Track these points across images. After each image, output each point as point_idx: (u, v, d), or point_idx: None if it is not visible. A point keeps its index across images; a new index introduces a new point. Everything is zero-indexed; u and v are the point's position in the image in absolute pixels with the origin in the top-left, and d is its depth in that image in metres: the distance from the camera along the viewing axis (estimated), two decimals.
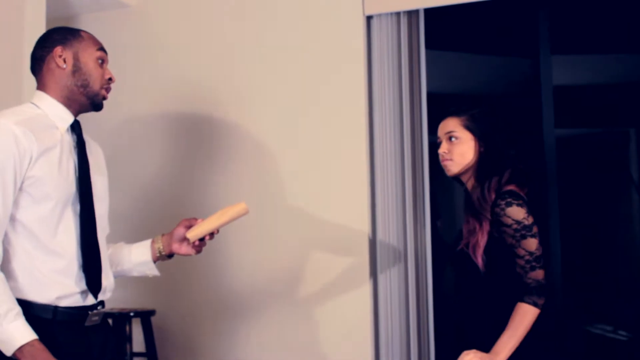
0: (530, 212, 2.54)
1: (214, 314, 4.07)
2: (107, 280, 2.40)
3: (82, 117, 2.47)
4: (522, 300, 2.47)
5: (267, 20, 4.12)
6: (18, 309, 2.11)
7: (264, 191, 4.03)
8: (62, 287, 2.22)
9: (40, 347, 2.09)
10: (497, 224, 2.54)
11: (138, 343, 4.02)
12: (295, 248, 3.94)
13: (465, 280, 2.70)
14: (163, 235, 2.62)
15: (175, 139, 4.31)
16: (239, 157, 4.10)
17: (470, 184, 2.72)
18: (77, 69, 2.35)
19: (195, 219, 2.57)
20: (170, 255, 2.62)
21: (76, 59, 2.35)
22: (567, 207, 5.14)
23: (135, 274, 2.64)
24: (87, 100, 2.38)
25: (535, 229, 2.52)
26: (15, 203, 2.18)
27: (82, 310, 2.28)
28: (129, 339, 3.94)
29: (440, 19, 4.06)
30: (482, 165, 2.65)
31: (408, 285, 3.70)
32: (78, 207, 2.30)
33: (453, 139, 2.70)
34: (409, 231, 3.70)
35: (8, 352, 2.07)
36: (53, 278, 2.21)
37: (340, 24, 3.96)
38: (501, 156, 2.66)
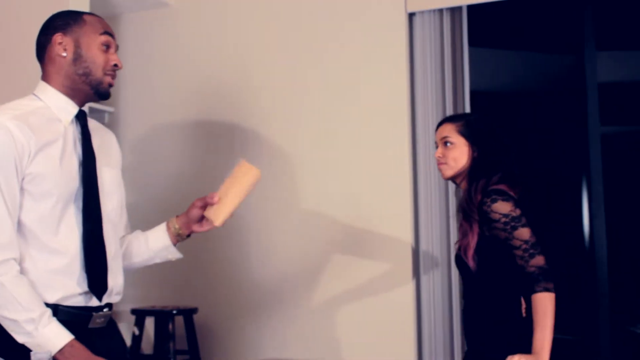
0: (518, 207, 2.58)
1: (256, 311, 4.07)
2: (114, 280, 2.27)
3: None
4: (534, 292, 2.49)
5: (308, 19, 4.10)
6: (49, 311, 2.06)
7: (306, 192, 4.02)
8: (64, 288, 2.13)
9: (80, 346, 2.05)
10: (487, 222, 2.59)
11: (181, 340, 4.03)
12: (337, 248, 3.93)
13: (464, 281, 2.77)
14: (177, 217, 2.46)
15: (209, 138, 4.31)
16: (278, 157, 4.09)
17: (462, 186, 2.78)
18: (78, 57, 2.19)
19: (210, 197, 2.36)
20: (189, 235, 2.48)
21: (77, 46, 2.19)
22: (613, 205, 5.07)
23: (158, 260, 2.50)
24: (90, 89, 2.22)
25: (524, 220, 2.57)
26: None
27: (85, 311, 2.18)
28: (171, 336, 3.94)
29: (483, 16, 4.02)
30: (475, 170, 2.72)
31: (451, 286, 3.67)
32: (82, 203, 2.18)
33: (448, 144, 2.77)
34: (452, 232, 3.67)
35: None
36: (55, 278, 2.12)
37: (382, 22, 3.93)
38: (493, 161, 2.72)
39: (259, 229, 4.09)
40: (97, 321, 2.22)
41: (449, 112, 3.74)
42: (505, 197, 2.60)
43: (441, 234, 3.72)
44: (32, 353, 1.75)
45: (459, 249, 2.70)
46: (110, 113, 4.32)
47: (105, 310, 2.24)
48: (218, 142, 4.28)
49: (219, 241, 4.21)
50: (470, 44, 3.82)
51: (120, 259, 2.35)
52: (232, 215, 2.38)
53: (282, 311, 4.02)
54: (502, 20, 4.74)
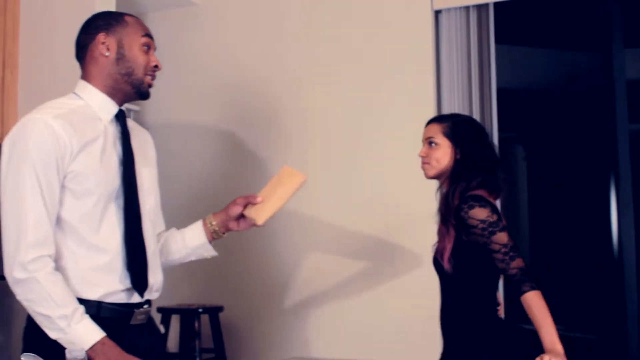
0: (495, 212, 2.59)
1: (281, 310, 4.08)
2: (154, 277, 2.29)
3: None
4: (523, 292, 2.48)
5: (334, 18, 4.10)
6: (82, 308, 2.06)
7: (330, 188, 4.02)
8: (107, 285, 2.14)
9: (111, 344, 2.05)
10: (465, 228, 2.60)
11: (206, 339, 4.04)
12: (362, 249, 3.92)
13: (440, 283, 2.78)
14: (215, 214, 2.48)
15: (234, 137, 4.32)
16: (304, 158, 4.10)
17: (444, 187, 2.80)
18: (121, 57, 2.20)
19: (253, 196, 2.40)
20: (225, 233, 2.49)
21: (120, 46, 2.21)
22: None
23: (193, 257, 2.52)
24: (132, 88, 2.23)
25: (501, 224, 2.57)
26: (59, 200, 2.09)
27: (127, 308, 2.19)
28: (197, 334, 3.95)
29: (510, 13, 3.98)
30: (456, 172, 2.74)
31: None
32: (122, 202, 2.19)
33: (432, 144, 2.78)
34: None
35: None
36: (97, 275, 2.13)
37: (408, 19, 3.91)
38: (474, 165, 2.72)
39: (285, 229, 4.09)
40: (139, 318, 2.23)
41: (476, 109, 3.72)
42: (482, 202, 2.60)
43: None
44: (66, 351, 1.75)
45: (436, 251, 2.74)
46: (135, 112, 4.34)
47: (145, 306, 2.26)
48: (243, 141, 4.29)
49: (245, 240, 4.21)
50: (497, 41, 3.79)
51: (158, 256, 2.37)
52: (273, 217, 2.40)
53: (308, 310, 4.02)
54: (528, 17, 4.70)
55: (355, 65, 4.02)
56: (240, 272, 4.19)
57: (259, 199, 2.39)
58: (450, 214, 2.64)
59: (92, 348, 2.02)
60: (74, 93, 2.25)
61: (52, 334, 2.04)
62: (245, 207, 2.42)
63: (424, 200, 3.79)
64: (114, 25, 2.23)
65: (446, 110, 3.79)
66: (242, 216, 2.43)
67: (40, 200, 2.04)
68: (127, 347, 2.12)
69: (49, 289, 2.02)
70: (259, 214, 2.37)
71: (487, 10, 3.78)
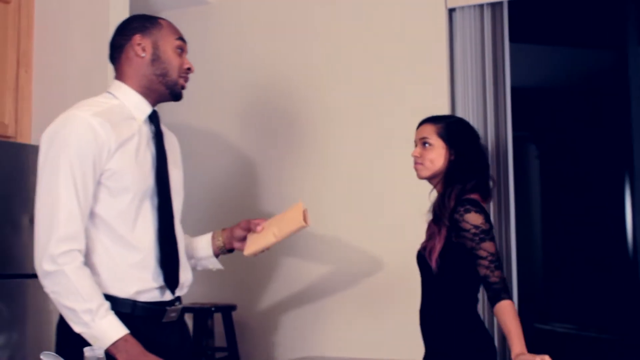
0: (488, 221, 2.63)
1: (294, 309, 4.07)
2: (185, 275, 2.33)
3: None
4: (500, 299, 2.53)
5: (347, 17, 4.09)
6: (108, 304, 2.09)
7: (345, 189, 4.01)
8: (140, 282, 2.18)
9: (133, 341, 2.07)
10: (457, 230, 2.62)
11: (219, 337, 4.04)
12: (376, 250, 3.91)
13: (423, 281, 2.81)
14: (223, 230, 2.54)
15: (249, 134, 4.32)
16: (317, 154, 4.09)
17: (437, 189, 2.81)
18: (156, 58, 2.26)
19: (255, 223, 2.46)
20: (231, 250, 2.56)
21: (155, 48, 2.27)
22: None
23: (199, 268, 2.58)
24: (166, 89, 2.29)
25: (492, 234, 2.62)
26: (94, 197, 2.14)
27: (160, 306, 2.23)
28: (210, 333, 3.96)
29: (524, 11, 3.97)
30: (451, 173, 2.75)
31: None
32: (156, 201, 2.24)
33: (426, 145, 2.78)
34: (494, 231, 3.62)
35: (101, 348, 2.00)
36: (131, 272, 2.17)
37: (422, 17, 3.90)
38: (469, 167, 2.74)
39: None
40: (171, 315, 2.27)
41: (490, 108, 3.70)
42: (478, 208, 2.63)
43: None
44: (85, 349, 1.76)
45: (423, 249, 2.75)
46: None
47: (176, 304, 2.30)
48: (258, 142, 4.28)
49: None
50: (511, 39, 3.77)
51: (185, 254, 2.40)
52: (264, 251, 2.47)
53: (321, 309, 4.01)
54: (543, 16, 4.68)
55: (369, 64, 4.01)
56: (253, 271, 4.19)
57: (258, 228, 2.45)
58: (445, 214, 2.66)
59: (114, 344, 2.05)
60: (109, 92, 2.29)
61: (77, 328, 2.07)
62: (248, 230, 2.47)
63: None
64: (149, 28, 2.29)
65: (460, 109, 3.78)
66: (245, 238, 2.49)
67: (74, 195, 2.08)
68: (160, 345, 2.18)
69: (76, 283, 2.05)
70: (249, 245, 2.44)
71: (502, 8, 3.76)
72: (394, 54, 3.95)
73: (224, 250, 2.54)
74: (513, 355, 2.42)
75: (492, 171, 3.68)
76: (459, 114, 3.77)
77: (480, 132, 3.71)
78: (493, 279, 2.55)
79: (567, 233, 6.93)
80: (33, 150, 3.37)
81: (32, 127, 3.84)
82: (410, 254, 3.82)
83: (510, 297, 2.53)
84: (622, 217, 5.64)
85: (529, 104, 3.79)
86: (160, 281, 2.23)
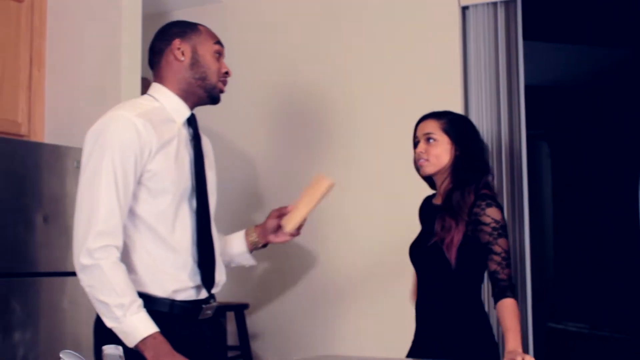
0: (504, 217, 2.63)
1: (306, 307, 4.07)
2: (220, 275, 2.39)
3: None
4: (505, 297, 2.53)
5: (361, 14, 4.08)
6: (140, 301, 2.12)
7: (361, 189, 4.00)
8: (178, 281, 2.23)
9: (162, 339, 2.10)
10: (474, 224, 2.62)
11: (232, 336, 4.04)
12: (390, 248, 3.90)
13: (436, 272, 2.73)
14: (256, 226, 2.59)
15: (264, 133, 4.32)
16: (332, 153, 4.08)
17: (444, 185, 2.77)
18: (195, 62, 2.32)
19: (285, 207, 2.53)
20: (265, 245, 2.62)
21: (194, 52, 2.33)
22: None
23: (233, 265, 2.63)
24: (204, 93, 2.35)
25: (506, 231, 2.62)
26: (135, 196, 2.19)
27: (196, 304, 2.28)
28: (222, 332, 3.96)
29: (538, 8, 3.95)
30: (458, 169, 2.72)
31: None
32: (194, 202, 2.29)
33: (431, 141, 2.75)
34: (508, 230, 3.61)
35: (130, 344, 2.08)
36: (169, 272, 2.22)
37: (435, 15, 3.89)
38: (475, 163, 2.74)
39: (313, 227, 4.08)
40: (207, 312, 2.33)
41: (504, 106, 3.69)
42: (497, 204, 2.63)
43: None
44: (104, 347, 1.76)
45: (440, 241, 2.67)
46: None
47: (211, 302, 2.35)
48: (274, 141, 4.28)
49: None
50: (525, 37, 3.75)
51: (220, 255, 2.45)
52: (304, 222, 2.51)
53: (333, 308, 4.01)
54: (557, 13, 4.65)
55: (381, 63, 4.00)
56: (265, 269, 4.19)
57: (289, 208, 2.50)
58: (465, 209, 2.63)
59: (143, 341, 2.08)
60: (149, 95, 2.35)
61: (108, 322, 2.10)
62: (280, 217, 2.52)
63: None
64: (189, 33, 2.36)
65: (474, 107, 3.76)
66: (279, 228, 2.54)
67: (114, 192, 2.13)
68: (196, 342, 2.26)
69: (111, 278, 2.09)
70: (287, 221, 2.48)
71: (515, 5, 3.74)
72: (407, 53, 3.94)
73: (258, 246, 2.60)
74: (506, 351, 2.42)
75: (506, 170, 3.68)
76: (473, 112, 3.76)
77: (494, 131, 3.70)
78: (502, 276, 2.55)
79: (579, 231, 6.91)
80: (46, 148, 3.39)
81: (44, 126, 3.85)
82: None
83: (515, 297, 2.53)
84: (634, 215, 5.60)
85: (541, 101, 3.77)
86: (196, 280, 2.28)
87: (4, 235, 3.16)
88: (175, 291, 2.22)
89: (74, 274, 3.33)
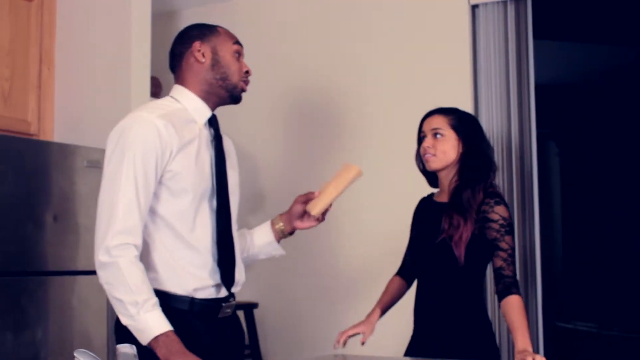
0: (511, 215, 2.66)
1: (316, 307, 4.06)
2: (240, 274, 2.40)
3: None
4: (511, 293, 2.53)
5: (372, 13, 4.07)
6: (156, 300, 2.13)
7: (373, 182, 3.99)
8: (198, 280, 2.25)
9: (175, 338, 2.10)
10: (482, 221, 2.63)
11: None
12: (405, 244, 3.90)
13: (442, 270, 2.72)
14: (281, 215, 2.62)
15: (274, 132, 4.31)
16: (341, 151, 4.08)
17: (451, 182, 2.77)
18: (215, 63, 2.35)
19: (311, 193, 2.55)
20: (292, 232, 2.65)
21: (214, 53, 2.35)
22: None
23: (262, 256, 2.66)
24: (226, 93, 2.37)
25: (514, 229, 2.67)
26: (155, 196, 2.22)
27: (216, 303, 2.30)
28: None
29: (548, 7, 3.93)
30: (465, 166, 2.73)
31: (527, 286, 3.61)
32: (214, 202, 2.32)
33: (438, 136, 2.76)
34: (517, 229, 3.61)
35: (143, 342, 2.09)
36: (189, 271, 2.24)
37: (445, 14, 3.88)
38: (486, 160, 2.75)
39: (326, 226, 4.07)
40: (226, 311, 2.34)
41: (514, 105, 3.68)
42: (505, 202, 2.66)
43: None
44: (117, 346, 1.77)
45: (448, 238, 2.66)
46: None
47: (230, 300, 2.36)
48: (283, 140, 4.28)
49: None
50: (535, 36, 3.74)
51: (240, 254, 2.47)
52: (330, 207, 2.54)
53: (344, 306, 4.00)
54: (567, 12, 4.63)
55: (391, 61, 3.99)
56: (275, 269, 4.18)
57: (316, 193, 2.53)
58: (475, 206, 2.65)
59: (155, 339, 2.09)
60: (171, 96, 2.38)
61: (123, 320, 2.12)
62: (306, 203, 2.55)
63: None
64: (208, 35, 2.38)
65: (484, 106, 3.75)
66: (304, 214, 2.58)
67: (134, 191, 2.16)
68: (216, 340, 2.28)
69: (127, 275, 2.11)
70: (314, 205, 2.50)
71: (525, 4, 3.73)
72: (417, 51, 3.93)
73: (285, 234, 2.62)
74: (517, 351, 2.42)
75: (516, 168, 3.67)
76: (483, 111, 3.75)
77: (504, 129, 3.69)
78: (507, 272, 2.56)
79: (587, 230, 6.90)
80: (55, 148, 3.39)
81: (54, 125, 3.85)
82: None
83: (519, 293, 2.53)
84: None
85: (548, 100, 3.76)
86: (216, 279, 2.30)
87: (14, 234, 3.16)
88: (196, 289, 2.24)
89: (83, 272, 3.40)
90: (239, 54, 2.41)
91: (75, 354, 1.69)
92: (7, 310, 3.11)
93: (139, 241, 2.17)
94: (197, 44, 2.35)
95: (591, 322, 6.10)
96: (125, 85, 3.69)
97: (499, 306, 2.56)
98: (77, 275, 3.40)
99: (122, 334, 2.18)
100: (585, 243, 6.90)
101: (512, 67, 3.71)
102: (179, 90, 2.37)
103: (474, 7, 3.84)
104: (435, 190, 2.92)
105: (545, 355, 3.61)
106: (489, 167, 2.74)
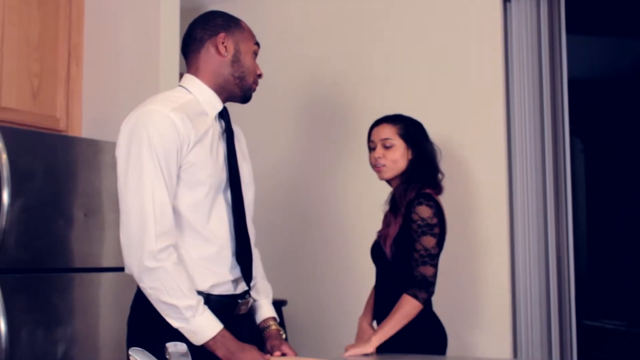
0: (437, 216, 2.73)
1: (346, 303, 4.03)
2: (256, 269, 2.38)
3: None
4: (410, 293, 2.66)
5: (401, 7, 4.03)
6: (202, 299, 2.12)
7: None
8: (215, 275, 2.20)
9: (230, 336, 2.10)
10: (408, 220, 2.74)
11: None
12: None
13: (377, 267, 2.91)
14: (269, 330, 2.43)
15: (299, 129, 4.29)
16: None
17: (395, 184, 2.89)
18: (236, 60, 2.28)
19: (278, 352, 2.34)
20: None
21: (237, 49, 2.29)
22: None
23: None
24: (239, 92, 2.32)
25: (436, 230, 2.72)
26: None
27: (232, 299, 2.25)
28: None
29: (581, 2, 3.88)
30: (410, 172, 2.84)
31: (549, 284, 3.57)
32: (228, 195, 2.26)
33: (388, 146, 2.85)
34: (550, 227, 3.58)
35: (197, 342, 2.07)
36: (206, 266, 2.19)
37: (476, 9, 3.83)
38: (427, 165, 2.86)
39: (353, 224, 4.06)
40: (242, 308, 2.30)
41: (547, 102, 3.63)
42: (431, 203, 2.73)
43: (538, 223, 3.63)
44: (168, 344, 1.74)
45: (378, 238, 2.86)
46: None
47: (246, 297, 2.32)
48: (307, 137, 4.25)
49: (309, 233, 4.19)
50: (568, 31, 3.68)
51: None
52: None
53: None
54: (600, 6, 4.57)
55: (422, 57, 3.95)
56: (304, 266, 4.17)
57: (276, 353, 2.33)
58: (403, 203, 2.76)
59: (213, 339, 2.08)
60: (182, 86, 2.30)
61: (175, 323, 2.09)
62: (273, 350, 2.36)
63: (494, 190, 3.72)
64: (233, 28, 2.31)
65: (516, 102, 3.71)
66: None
67: (165, 189, 2.10)
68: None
69: (177, 279, 2.08)
70: None
71: None
72: (449, 46, 3.88)
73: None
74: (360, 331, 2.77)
75: (549, 165, 3.62)
76: (515, 107, 3.71)
77: (537, 126, 3.65)
78: (415, 272, 2.67)
79: (613, 228, 6.84)
80: (84, 143, 3.38)
81: (82, 121, 3.84)
82: (461, 251, 3.78)
83: (417, 298, 2.63)
84: None
85: (573, 96, 3.71)
86: (235, 274, 2.26)
87: (45, 230, 3.15)
88: (213, 285, 2.20)
89: (112, 269, 3.38)
90: (255, 55, 2.36)
91: (130, 353, 1.67)
92: (39, 307, 3.10)
93: (175, 240, 2.13)
94: (222, 35, 2.27)
95: (619, 320, 6.05)
96: (153, 81, 3.67)
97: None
98: (106, 272, 3.39)
99: (137, 330, 2.18)
100: (611, 240, 6.84)
101: (545, 63, 3.66)
102: (190, 81, 2.29)
103: (506, 2, 3.79)
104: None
105: (572, 353, 3.58)
106: (430, 170, 2.85)
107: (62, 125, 3.74)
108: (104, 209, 3.39)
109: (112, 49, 3.81)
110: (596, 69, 6.29)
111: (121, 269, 3.37)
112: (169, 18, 3.74)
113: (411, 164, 2.84)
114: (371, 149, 2.92)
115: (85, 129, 3.83)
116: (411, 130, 2.88)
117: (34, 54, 3.62)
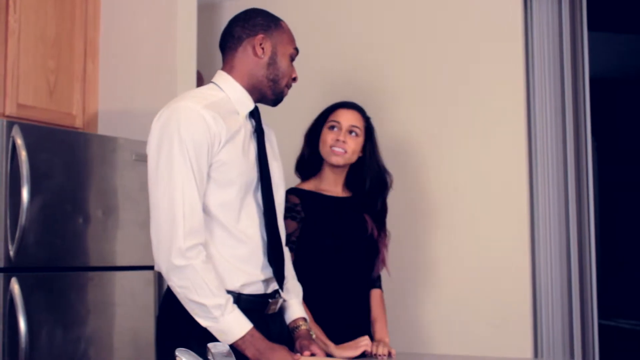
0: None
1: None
2: (286, 269, 2.36)
3: None
4: (375, 287, 2.89)
5: (422, 5, 3.99)
6: (232, 299, 2.11)
7: (414, 186, 3.93)
8: (246, 275, 2.18)
9: (259, 335, 2.09)
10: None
11: None
12: (446, 245, 3.84)
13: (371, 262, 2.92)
14: (299, 330, 2.38)
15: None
16: (386, 148, 4.01)
17: (343, 179, 2.86)
18: (272, 62, 2.27)
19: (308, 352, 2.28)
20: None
21: (274, 52, 2.27)
22: None
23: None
24: (272, 95, 2.30)
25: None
26: None
27: (263, 299, 2.24)
28: None
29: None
30: (371, 172, 2.84)
31: (571, 283, 3.55)
32: (258, 194, 2.25)
33: (353, 134, 2.78)
34: (572, 227, 3.55)
35: (227, 342, 2.04)
36: (237, 265, 2.18)
37: (497, 6, 3.79)
38: (386, 171, 2.88)
39: (403, 219, 4.03)
40: (273, 307, 2.29)
41: (568, 101, 3.61)
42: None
43: (560, 224, 3.60)
44: (209, 345, 1.72)
45: (369, 237, 2.86)
46: None
47: (277, 296, 2.30)
48: None
49: None
50: (590, 28, 3.65)
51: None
52: None
53: (392, 302, 3.93)
54: (623, 3, 4.54)
55: (443, 55, 3.92)
56: None
57: (305, 352, 2.28)
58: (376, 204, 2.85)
59: (242, 338, 2.07)
60: (214, 83, 2.28)
61: (204, 322, 2.07)
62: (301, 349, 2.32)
63: (515, 190, 3.69)
64: (272, 29, 2.29)
65: (538, 101, 3.68)
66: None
67: (195, 187, 2.08)
68: (265, 336, 2.16)
69: (205, 278, 2.06)
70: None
71: None
72: (469, 45, 3.85)
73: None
74: (375, 340, 2.76)
75: (571, 164, 3.60)
76: (537, 105, 3.69)
77: (559, 124, 3.63)
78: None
79: (626, 227, 6.82)
80: (100, 140, 3.35)
81: (99, 118, 3.82)
82: (485, 246, 3.75)
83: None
84: None
85: (608, 95, 3.69)
86: (267, 273, 2.24)
87: (64, 229, 3.12)
88: (244, 285, 2.18)
89: (132, 268, 3.36)
90: (292, 59, 2.33)
91: (177, 353, 1.65)
92: (57, 306, 3.07)
93: (204, 239, 2.11)
94: (260, 37, 2.25)
95: (635, 320, 6.03)
96: (170, 78, 3.65)
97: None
98: (124, 270, 3.36)
99: (168, 329, 2.18)
100: (624, 239, 6.82)
101: (566, 61, 3.63)
102: (224, 78, 2.27)
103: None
104: (299, 180, 2.97)
105: (586, 352, 3.56)
106: (384, 182, 2.86)
107: (78, 122, 3.72)
108: (122, 207, 3.36)
109: (128, 46, 3.79)
110: (609, 68, 6.26)
111: (139, 268, 3.40)
112: (186, 14, 3.71)
113: (360, 161, 2.81)
114: (332, 127, 2.82)
115: (101, 125, 3.80)
116: (371, 128, 2.85)
117: (51, 51, 3.60)
